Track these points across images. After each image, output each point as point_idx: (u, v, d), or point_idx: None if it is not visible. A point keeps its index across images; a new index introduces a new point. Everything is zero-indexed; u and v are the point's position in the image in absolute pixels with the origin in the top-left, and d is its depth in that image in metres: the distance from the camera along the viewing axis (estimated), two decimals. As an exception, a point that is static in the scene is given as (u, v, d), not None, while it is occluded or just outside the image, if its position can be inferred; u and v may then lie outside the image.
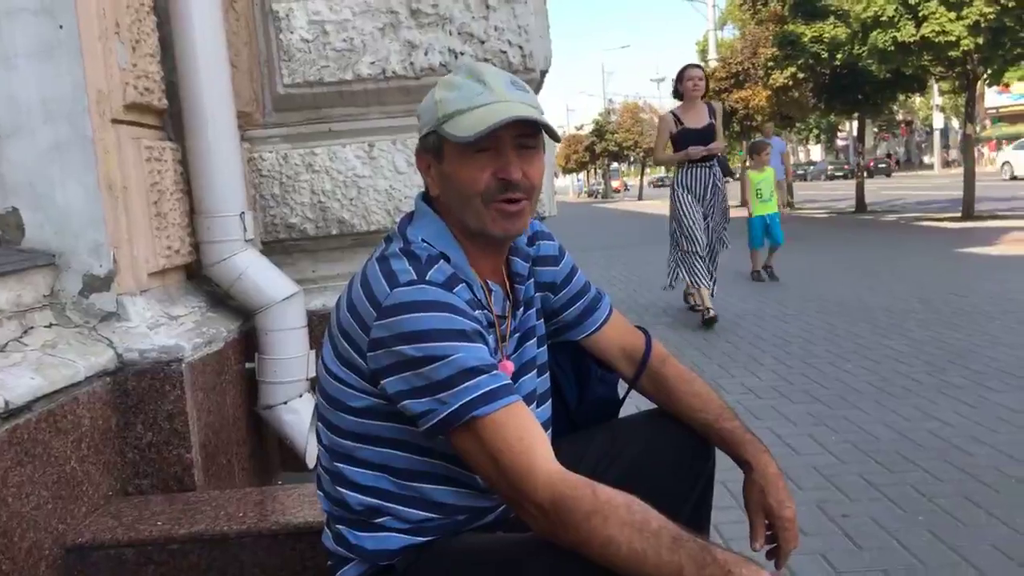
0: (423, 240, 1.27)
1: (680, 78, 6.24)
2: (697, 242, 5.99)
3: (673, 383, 1.49)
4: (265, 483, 2.61)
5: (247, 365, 2.52)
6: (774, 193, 8.32)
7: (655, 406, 1.54)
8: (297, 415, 2.52)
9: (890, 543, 2.35)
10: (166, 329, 2.14)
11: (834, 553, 2.30)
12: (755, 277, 8.35)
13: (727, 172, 6.45)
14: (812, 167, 49.93)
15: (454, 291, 1.21)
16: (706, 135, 6.06)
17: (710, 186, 6.11)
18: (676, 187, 6.17)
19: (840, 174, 44.85)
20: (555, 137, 1.33)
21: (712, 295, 6.12)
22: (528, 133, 1.26)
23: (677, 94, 6.34)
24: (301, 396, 2.54)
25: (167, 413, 2.05)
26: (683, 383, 1.49)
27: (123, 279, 2.08)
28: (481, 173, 1.23)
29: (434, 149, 1.28)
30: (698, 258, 6.00)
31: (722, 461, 1.49)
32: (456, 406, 1.12)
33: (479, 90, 1.23)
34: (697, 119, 6.12)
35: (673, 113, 6.26)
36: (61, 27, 1.96)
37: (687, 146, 5.99)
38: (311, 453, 2.50)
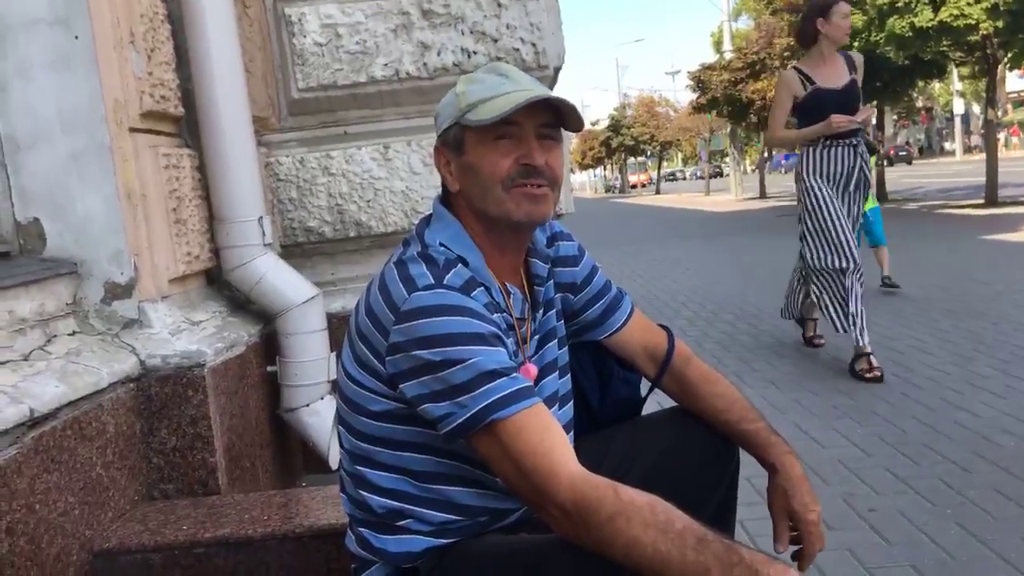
0: (441, 244, 1.27)
1: (824, 11, 4.10)
2: (844, 253, 4.10)
3: (696, 383, 1.48)
4: (289, 485, 2.62)
5: (269, 368, 2.53)
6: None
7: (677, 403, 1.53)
8: (319, 417, 2.53)
9: (919, 537, 2.33)
10: (188, 335, 2.15)
11: (862, 548, 2.27)
12: (885, 283, 6.49)
13: (872, 150, 4.46)
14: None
15: (472, 295, 1.21)
16: (849, 98, 4.15)
17: (855, 171, 4.20)
18: (805, 176, 4.26)
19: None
20: (579, 122, 1.30)
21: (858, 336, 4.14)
22: (550, 124, 1.26)
23: (806, 39, 4.28)
24: (323, 398, 2.54)
25: (190, 418, 2.06)
26: (707, 383, 1.48)
27: (144, 286, 2.09)
28: (504, 159, 1.24)
29: (454, 142, 1.28)
30: (840, 276, 4.14)
31: (748, 457, 1.48)
32: (476, 410, 1.12)
33: (501, 81, 1.25)
34: (835, 76, 4.19)
35: (798, 70, 4.29)
36: (76, 37, 1.98)
37: (823, 114, 4.07)
38: (334, 455, 2.51)
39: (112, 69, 2.04)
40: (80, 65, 1.99)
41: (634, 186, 58.90)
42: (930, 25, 12.62)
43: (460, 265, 1.24)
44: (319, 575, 1.81)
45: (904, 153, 43.88)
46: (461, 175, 1.29)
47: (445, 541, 1.26)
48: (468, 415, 1.12)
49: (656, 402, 1.59)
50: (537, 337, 1.38)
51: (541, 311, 1.39)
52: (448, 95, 1.31)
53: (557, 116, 1.26)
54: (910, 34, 13.04)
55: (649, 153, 49.84)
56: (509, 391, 1.13)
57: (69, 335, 2.00)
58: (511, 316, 1.31)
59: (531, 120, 1.23)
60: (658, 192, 45.00)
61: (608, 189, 65.01)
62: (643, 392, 1.59)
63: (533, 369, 1.33)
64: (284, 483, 2.60)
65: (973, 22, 12.25)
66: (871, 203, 6.40)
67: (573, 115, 1.27)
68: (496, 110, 1.20)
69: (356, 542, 1.33)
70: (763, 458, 1.44)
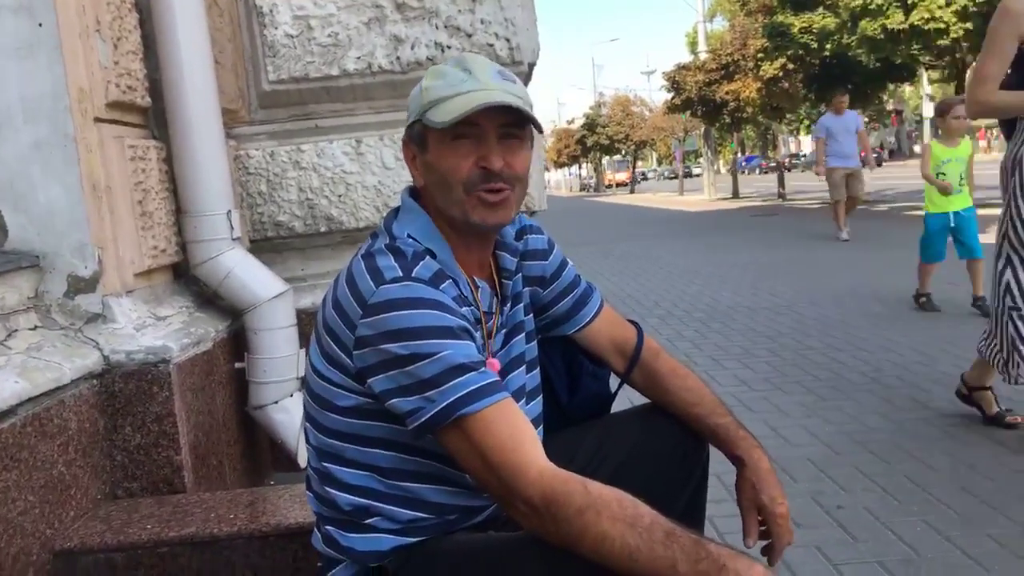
0: (409, 236, 1.25)
1: None
2: None
3: (666, 378, 1.48)
4: (257, 483, 2.59)
5: (237, 365, 2.50)
6: (966, 180, 5.50)
7: (647, 400, 1.53)
8: (288, 414, 2.50)
9: (885, 534, 2.35)
10: (153, 330, 2.11)
11: (829, 545, 2.29)
12: (920, 303, 5.55)
13: None
14: (803, 158, 50.14)
15: (440, 288, 1.19)
16: None
17: None
18: None
19: (831, 165, 45.02)
20: (536, 126, 1.28)
21: None
22: (512, 123, 1.24)
23: None
24: (292, 396, 2.52)
25: (155, 415, 2.03)
26: (676, 378, 1.48)
27: (108, 280, 2.05)
28: (463, 161, 1.22)
29: (419, 138, 1.27)
30: None
31: (716, 453, 1.48)
32: (444, 404, 1.11)
33: (463, 77, 1.22)
34: None
35: None
36: (40, 25, 1.93)
37: None
38: (302, 453, 2.48)
39: (77, 57, 2.00)
40: (44, 53, 1.94)
41: (615, 185, 57.95)
42: (901, 28, 12.78)
43: (428, 257, 1.23)
44: (286, 574, 1.79)
45: (875, 155, 44.46)
46: (425, 172, 1.28)
47: (413, 539, 1.25)
48: (436, 410, 1.11)
49: (627, 398, 1.58)
50: (504, 331, 1.36)
51: (509, 305, 1.38)
52: (416, 87, 1.29)
53: (522, 114, 1.24)
54: (881, 36, 13.21)
55: (624, 153, 49.99)
56: (477, 386, 1.12)
57: (30, 330, 1.95)
58: (478, 310, 1.30)
59: (492, 121, 1.21)
60: (632, 191, 45.19)
61: (583, 188, 65.04)
62: (612, 388, 1.59)
63: (496, 364, 1.32)
64: (252, 481, 2.56)
65: (943, 26, 12.43)
66: (966, 201, 5.49)
67: (529, 118, 1.24)
68: (451, 112, 1.18)
69: (323, 540, 1.31)
70: (731, 452, 1.44)
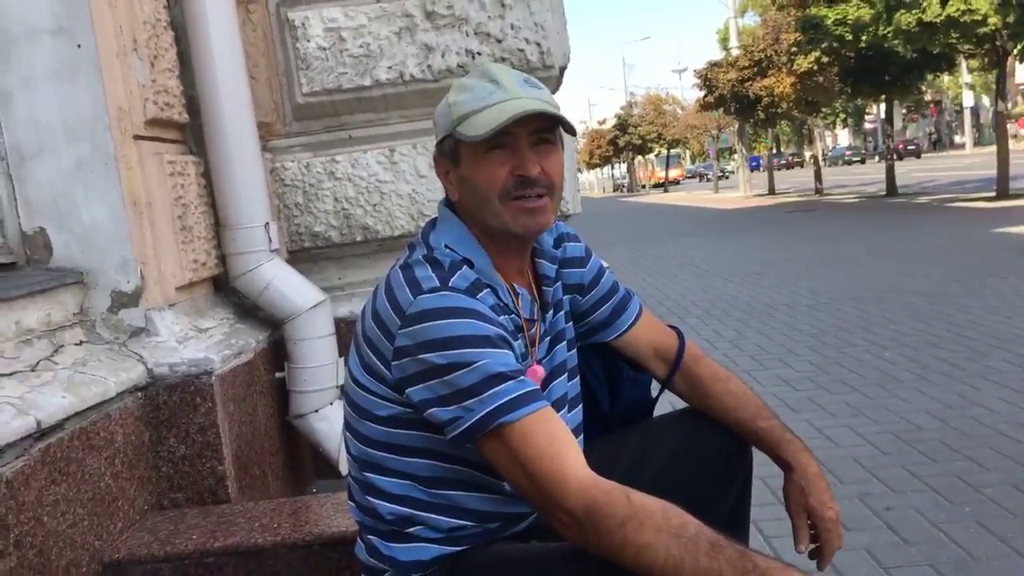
0: (446, 246, 1.25)
1: None
2: None
3: (708, 382, 1.46)
4: (299, 492, 2.61)
5: (277, 375, 2.52)
6: None
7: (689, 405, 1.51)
8: (328, 423, 2.52)
9: (937, 536, 2.29)
10: (195, 342, 2.14)
11: (879, 548, 2.24)
12: None
13: None
14: (830, 152, 49.32)
15: (477, 297, 1.19)
16: None
17: None
18: None
19: (857, 159, 44.11)
20: (570, 129, 1.27)
21: None
22: (545, 129, 1.23)
23: None
24: (332, 404, 2.53)
25: (199, 426, 2.05)
26: (718, 382, 1.46)
27: (151, 294, 2.09)
28: (498, 171, 1.21)
29: (451, 153, 1.27)
30: None
31: (760, 456, 1.45)
32: (482, 413, 1.10)
33: (491, 89, 1.22)
34: None
35: None
36: (79, 46, 1.97)
37: None
38: (343, 460, 2.50)
39: (115, 77, 2.04)
40: (83, 74, 1.98)
41: (650, 185, 56.04)
42: (938, 19, 12.53)
43: (466, 267, 1.23)
44: (330, 583, 1.79)
45: (913, 147, 43.63)
46: (460, 186, 1.27)
47: (456, 548, 1.24)
48: (475, 419, 1.11)
49: (668, 402, 1.57)
50: (548, 339, 1.36)
51: (551, 312, 1.37)
52: (442, 103, 1.28)
53: (553, 119, 1.23)
54: (918, 28, 12.96)
55: (657, 152, 49.64)
56: (516, 394, 1.11)
57: (76, 345, 1.99)
58: (519, 317, 1.29)
59: (524, 128, 1.20)
60: (666, 191, 44.88)
61: (616, 188, 64.55)
62: (653, 393, 1.57)
63: (541, 371, 1.31)
64: (295, 490, 2.59)
65: (980, 17, 12.15)
66: None
67: (563, 123, 1.24)
68: (485, 125, 1.18)
69: (365, 550, 1.31)
70: (778, 456, 1.41)
